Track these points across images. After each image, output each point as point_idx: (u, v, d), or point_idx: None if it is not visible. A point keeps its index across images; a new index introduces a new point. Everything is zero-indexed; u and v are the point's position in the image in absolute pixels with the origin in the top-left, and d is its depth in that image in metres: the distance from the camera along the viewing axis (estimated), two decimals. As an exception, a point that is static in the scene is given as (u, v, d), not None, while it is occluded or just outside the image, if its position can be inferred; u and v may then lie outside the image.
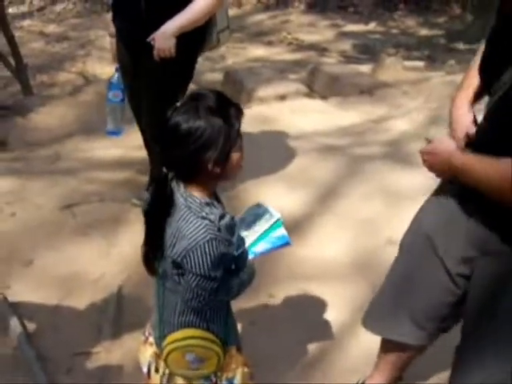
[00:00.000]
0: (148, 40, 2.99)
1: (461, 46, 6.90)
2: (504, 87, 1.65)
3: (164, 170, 1.65)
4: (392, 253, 3.14)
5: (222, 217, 1.64)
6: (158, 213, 1.66)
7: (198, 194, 1.65)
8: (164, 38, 2.96)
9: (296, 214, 3.61)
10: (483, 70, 1.80)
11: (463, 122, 1.86)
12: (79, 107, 5.01)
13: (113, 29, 3.32)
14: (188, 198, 1.62)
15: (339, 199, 3.77)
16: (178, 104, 1.62)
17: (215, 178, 1.65)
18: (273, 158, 4.18)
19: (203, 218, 1.59)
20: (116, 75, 3.32)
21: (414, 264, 2.00)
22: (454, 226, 1.84)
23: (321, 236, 3.44)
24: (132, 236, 3.22)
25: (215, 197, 1.74)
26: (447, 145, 1.78)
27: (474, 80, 1.87)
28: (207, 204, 1.63)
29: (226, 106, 1.62)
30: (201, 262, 1.59)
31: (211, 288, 1.64)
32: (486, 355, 1.88)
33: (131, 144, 3.98)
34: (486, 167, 1.61)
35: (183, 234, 1.59)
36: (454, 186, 1.84)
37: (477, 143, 1.76)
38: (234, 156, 1.64)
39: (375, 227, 3.50)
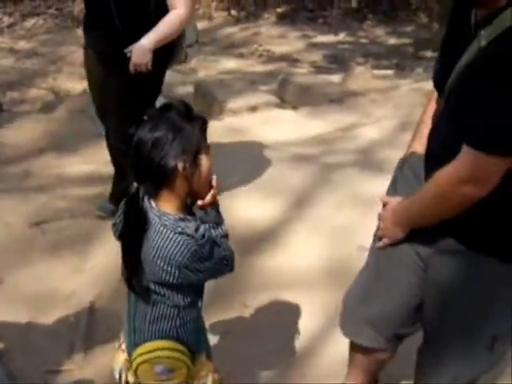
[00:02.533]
0: (125, 51, 3.00)
1: (428, 53, 6.98)
2: (446, 92, 1.69)
3: (134, 185, 1.65)
4: (364, 259, 3.18)
5: (197, 229, 1.65)
6: (132, 232, 1.68)
7: (170, 210, 1.65)
8: (142, 52, 2.98)
9: (269, 223, 3.62)
10: (434, 78, 1.85)
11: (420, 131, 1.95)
12: (50, 123, 4.98)
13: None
14: (162, 216, 1.64)
15: (312, 207, 3.79)
16: (145, 117, 1.63)
17: (186, 185, 1.65)
18: (245, 169, 4.19)
19: (181, 233, 1.61)
20: None
21: (383, 262, 2.01)
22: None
23: (294, 244, 3.45)
24: (103, 251, 3.19)
25: (189, 212, 1.74)
26: (386, 210, 1.88)
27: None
28: (181, 219, 1.64)
29: (191, 114, 1.65)
30: (188, 273, 1.64)
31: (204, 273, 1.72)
32: (444, 359, 1.90)
33: (102, 159, 3.96)
34: (420, 201, 1.74)
35: (164, 254, 1.61)
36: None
37: (425, 153, 1.82)
38: (204, 160, 1.65)
39: (347, 234, 3.52)
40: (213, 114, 5.11)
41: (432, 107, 1.94)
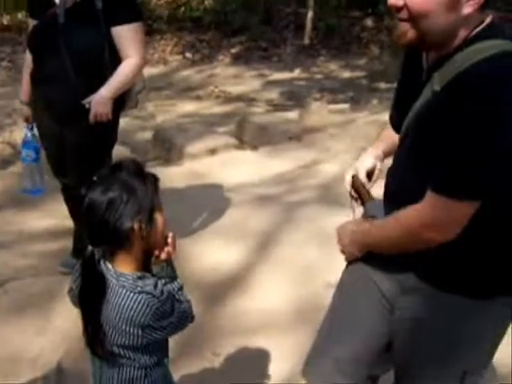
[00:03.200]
0: (83, 103, 3.01)
1: (382, 85, 7.14)
2: (403, 131, 1.71)
3: (89, 248, 1.64)
4: (331, 295, 3.18)
5: (155, 285, 1.64)
6: (90, 297, 1.66)
7: (127, 270, 1.64)
8: (103, 102, 3.03)
9: (235, 268, 3.61)
10: (391, 121, 1.89)
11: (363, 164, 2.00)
12: (8, 178, 4.91)
13: (23, 96, 3.33)
14: (119, 277, 1.63)
15: (276, 248, 3.80)
16: (96, 177, 1.62)
17: (143, 244, 1.65)
18: (207, 213, 4.19)
19: (140, 292, 1.60)
20: (28, 134, 3.36)
21: (350, 301, 1.99)
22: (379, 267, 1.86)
23: (261, 287, 3.44)
24: (68, 309, 3.10)
25: (145, 268, 1.73)
26: (344, 229, 1.88)
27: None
28: (139, 278, 1.63)
29: (142, 172, 1.65)
30: (154, 331, 1.63)
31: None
32: None
33: (62, 214, 3.90)
34: (381, 233, 1.73)
35: (126, 316, 1.59)
36: None
37: (384, 191, 1.83)
38: (159, 218, 1.64)
39: (314, 272, 3.53)
40: (172, 159, 5.13)
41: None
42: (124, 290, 1.60)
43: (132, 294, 1.59)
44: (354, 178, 1.98)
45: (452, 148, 1.50)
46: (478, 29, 1.53)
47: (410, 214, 1.62)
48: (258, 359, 2.90)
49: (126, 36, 3.06)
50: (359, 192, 1.97)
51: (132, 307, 1.58)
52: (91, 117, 3.03)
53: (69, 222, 3.73)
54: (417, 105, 1.62)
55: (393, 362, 1.95)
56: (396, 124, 1.83)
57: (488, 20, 1.54)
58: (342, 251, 1.90)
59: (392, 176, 1.80)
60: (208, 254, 3.73)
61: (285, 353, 2.91)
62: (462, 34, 1.53)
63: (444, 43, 1.54)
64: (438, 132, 1.52)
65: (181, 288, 1.75)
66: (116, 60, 3.09)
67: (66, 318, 3.12)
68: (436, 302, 1.74)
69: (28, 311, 3.23)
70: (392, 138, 1.90)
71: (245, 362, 2.89)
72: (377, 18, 10.39)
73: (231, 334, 3.06)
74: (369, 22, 10.46)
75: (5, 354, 2.93)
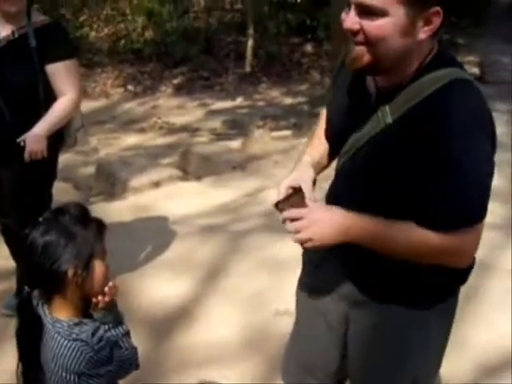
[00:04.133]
0: (18, 141, 2.95)
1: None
2: (350, 152, 1.72)
3: (26, 290, 1.62)
4: (281, 323, 3.19)
5: (94, 332, 1.62)
6: (26, 337, 1.65)
7: (64, 316, 1.63)
8: (37, 140, 2.97)
9: (182, 300, 3.58)
10: (326, 135, 1.88)
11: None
12: None
13: None
14: (55, 323, 1.62)
15: (224, 278, 3.79)
16: (40, 219, 1.61)
17: (78, 291, 1.63)
18: (153, 247, 4.16)
19: (75, 339, 1.58)
20: None
21: (303, 324, 2.05)
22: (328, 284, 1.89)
23: (210, 319, 3.42)
24: (13, 352, 3.04)
25: (87, 313, 1.71)
26: (332, 211, 1.67)
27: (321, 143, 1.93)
28: (76, 324, 1.62)
29: (87, 217, 1.65)
30: (89, 379, 1.59)
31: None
32: None
33: (6, 253, 3.83)
34: (399, 233, 1.60)
35: (61, 362, 1.58)
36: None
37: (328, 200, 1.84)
38: (97, 266, 1.63)
39: (262, 301, 3.54)
40: (116, 193, 5.09)
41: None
42: (59, 337, 1.59)
43: (66, 342, 1.58)
44: (295, 192, 1.69)
45: (450, 177, 1.51)
46: (430, 57, 1.57)
47: (435, 240, 1.57)
48: (209, 393, 2.88)
49: (61, 73, 3.06)
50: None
51: (66, 354, 1.57)
52: (26, 155, 2.97)
53: (11, 263, 3.66)
54: (366, 130, 1.63)
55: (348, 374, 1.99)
56: (331, 138, 1.85)
57: (436, 48, 1.59)
58: (311, 238, 1.62)
59: (347, 193, 1.77)
60: (155, 287, 3.70)
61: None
62: (415, 61, 1.56)
63: (397, 69, 1.56)
64: (412, 167, 1.53)
65: (126, 334, 1.73)
66: (51, 97, 3.08)
67: (12, 362, 3.04)
68: (380, 314, 1.79)
69: (-30, 357, 3.14)
70: (324, 146, 1.90)
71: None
72: (316, 43, 10.59)
73: (180, 369, 3.03)
74: (309, 48, 10.65)
75: None
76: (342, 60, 1.77)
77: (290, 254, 4.03)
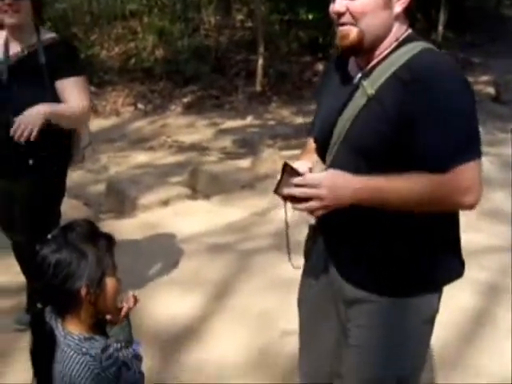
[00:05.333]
0: (29, 162, 2.97)
1: (333, 129, 7.26)
2: (340, 137, 1.83)
3: (39, 305, 1.63)
4: (288, 343, 3.19)
5: (104, 349, 1.63)
6: (40, 352, 1.65)
7: (75, 330, 1.64)
8: (35, 114, 2.85)
9: (191, 319, 3.59)
10: (316, 131, 2.00)
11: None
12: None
13: None
14: (67, 335, 1.62)
15: (232, 297, 3.79)
16: (49, 236, 1.63)
17: (91, 308, 1.65)
18: (162, 265, 4.17)
19: (84, 354, 1.59)
20: None
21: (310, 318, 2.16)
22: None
23: (218, 338, 3.42)
24: (24, 367, 3.04)
25: (100, 329, 1.73)
26: (342, 176, 1.74)
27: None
28: (86, 339, 1.63)
29: (96, 234, 1.66)
30: None
31: None
32: None
33: (14, 270, 3.85)
34: (404, 183, 1.71)
35: (69, 374, 1.58)
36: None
37: None
38: (109, 282, 1.64)
39: (270, 320, 3.53)
40: (125, 211, 5.11)
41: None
42: (68, 350, 1.60)
43: (75, 355, 1.59)
44: (284, 170, 1.74)
45: (437, 123, 1.67)
46: (404, 35, 1.80)
47: (444, 181, 1.70)
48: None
49: (70, 88, 3.06)
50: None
51: (74, 368, 1.58)
52: (14, 125, 2.80)
53: (22, 278, 3.68)
54: (351, 107, 1.78)
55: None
56: (321, 136, 1.94)
57: (409, 31, 1.83)
58: (324, 206, 1.70)
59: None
60: (163, 305, 3.70)
61: (243, 404, 2.91)
62: (393, 37, 1.79)
63: (377, 45, 1.79)
64: (401, 125, 1.68)
65: (136, 357, 1.74)
66: None
67: (22, 377, 3.04)
68: (372, 306, 1.88)
69: (-23, 374, 3.15)
70: (314, 155, 2.03)
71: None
72: (328, 62, 10.50)
73: (187, 388, 3.03)
74: (320, 67, 10.63)
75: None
76: (330, 59, 2.04)
77: (298, 273, 4.05)
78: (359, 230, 1.85)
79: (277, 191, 1.72)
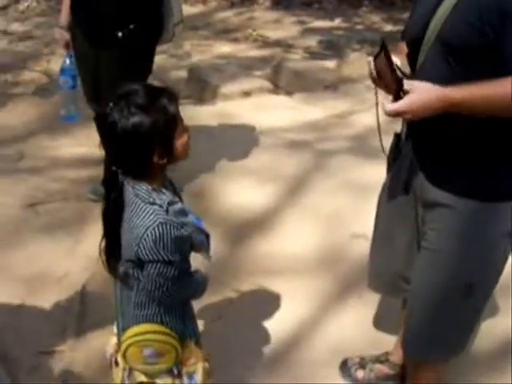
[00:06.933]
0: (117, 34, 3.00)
1: (424, 40, 6.98)
2: (432, 36, 1.78)
3: (113, 168, 1.66)
4: (357, 247, 3.20)
5: (171, 203, 1.67)
6: (112, 212, 1.70)
7: (145, 184, 1.67)
8: None
9: (261, 209, 3.63)
10: (409, 30, 1.95)
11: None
12: (43, 106, 4.95)
13: (63, 20, 3.30)
14: (135, 185, 1.66)
15: (305, 194, 3.80)
16: (111, 103, 1.62)
17: (163, 168, 1.70)
18: (238, 154, 4.18)
19: (151, 203, 1.63)
20: (67, 61, 3.35)
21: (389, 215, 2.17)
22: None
23: (287, 230, 3.46)
24: (97, 234, 3.13)
25: (168, 183, 1.78)
26: (429, 88, 1.72)
27: None
28: (154, 190, 1.66)
29: (157, 96, 1.64)
30: (155, 246, 1.60)
31: (172, 275, 1.65)
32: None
33: (94, 142, 3.93)
34: (489, 88, 1.66)
35: (134, 222, 1.63)
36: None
37: None
38: (179, 143, 1.66)
39: (341, 221, 3.53)
40: (206, 98, 5.11)
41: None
42: (136, 199, 1.64)
43: (142, 204, 1.63)
44: (378, 58, 1.79)
45: None
46: None
47: None
48: (277, 300, 2.94)
49: None
50: (386, 72, 1.76)
51: (140, 215, 1.62)
52: None
53: (100, 151, 3.77)
54: (441, 10, 1.72)
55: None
56: (413, 35, 1.88)
57: None
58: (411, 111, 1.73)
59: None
60: (235, 192, 3.74)
61: (301, 296, 2.95)
62: None
63: None
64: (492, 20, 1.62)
65: (201, 231, 1.80)
66: None
67: (95, 242, 3.15)
68: (452, 209, 1.86)
69: (57, 233, 3.31)
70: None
71: (263, 301, 2.94)
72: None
73: (253, 273, 3.10)
74: (417, -25, 10.16)
75: (32, 271, 3.02)
76: None
77: (374, 178, 3.97)
78: (449, 132, 1.81)
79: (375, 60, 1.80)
